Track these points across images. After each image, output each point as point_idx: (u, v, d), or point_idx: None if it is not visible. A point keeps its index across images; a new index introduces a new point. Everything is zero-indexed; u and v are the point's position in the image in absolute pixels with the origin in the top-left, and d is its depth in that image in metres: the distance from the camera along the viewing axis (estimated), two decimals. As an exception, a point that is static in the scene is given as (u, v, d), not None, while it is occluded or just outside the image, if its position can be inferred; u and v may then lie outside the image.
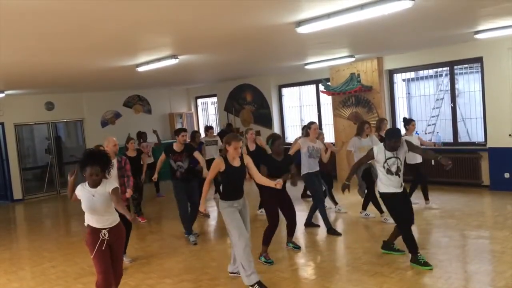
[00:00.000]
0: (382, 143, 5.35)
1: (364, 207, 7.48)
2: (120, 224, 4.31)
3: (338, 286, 4.82)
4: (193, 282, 5.22)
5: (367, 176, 7.19)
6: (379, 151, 5.23)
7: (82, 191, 4.18)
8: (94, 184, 4.15)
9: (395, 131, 5.27)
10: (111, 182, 4.26)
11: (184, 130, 7.18)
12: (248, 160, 5.01)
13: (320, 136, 7.46)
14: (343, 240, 6.63)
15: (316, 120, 11.95)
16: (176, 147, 6.98)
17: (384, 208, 6.39)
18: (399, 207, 5.24)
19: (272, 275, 5.20)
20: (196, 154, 7.06)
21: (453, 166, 9.04)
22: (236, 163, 4.92)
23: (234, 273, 5.22)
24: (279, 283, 4.99)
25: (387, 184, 5.23)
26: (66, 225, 9.40)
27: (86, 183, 4.20)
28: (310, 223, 7.18)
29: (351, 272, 5.18)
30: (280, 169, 5.68)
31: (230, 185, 4.97)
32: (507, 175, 8.51)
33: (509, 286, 4.41)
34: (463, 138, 9.88)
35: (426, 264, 5.08)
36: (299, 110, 12.79)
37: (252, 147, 8.00)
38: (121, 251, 4.38)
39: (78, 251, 6.76)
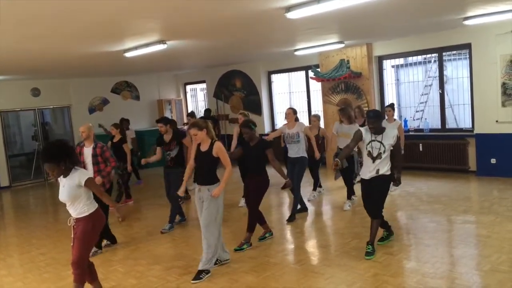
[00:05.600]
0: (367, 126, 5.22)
1: (349, 196, 7.39)
2: (86, 217, 4.11)
3: (327, 271, 4.86)
4: (183, 268, 5.23)
5: (349, 163, 7.12)
6: (365, 131, 5.15)
7: (60, 181, 4.15)
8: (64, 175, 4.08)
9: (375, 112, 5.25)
10: (84, 173, 4.15)
11: (161, 121, 6.96)
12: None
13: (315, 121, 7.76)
14: (332, 225, 6.68)
15: (306, 107, 11.97)
16: (165, 137, 6.88)
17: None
18: (363, 194, 5.28)
19: (261, 260, 5.24)
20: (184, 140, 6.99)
21: (440, 152, 9.23)
22: (204, 148, 4.95)
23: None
24: (268, 268, 5.03)
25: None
26: (54, 212, 9.32)
27: None
28: (302, 208, 7.09)
29: (340, 257, 5.22)
30: (250, 154, 5.74)
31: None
32: (493, 160, 8.61)
33: (494, 270, 4.49)
34: (450, 124, 9.96)
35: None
36: (289, 96, 12.76)
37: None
38: (77, 240, 4.11)
39: (67, 238, 6.68)
